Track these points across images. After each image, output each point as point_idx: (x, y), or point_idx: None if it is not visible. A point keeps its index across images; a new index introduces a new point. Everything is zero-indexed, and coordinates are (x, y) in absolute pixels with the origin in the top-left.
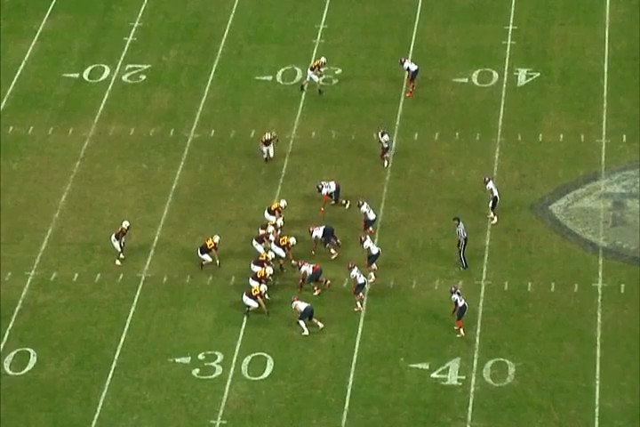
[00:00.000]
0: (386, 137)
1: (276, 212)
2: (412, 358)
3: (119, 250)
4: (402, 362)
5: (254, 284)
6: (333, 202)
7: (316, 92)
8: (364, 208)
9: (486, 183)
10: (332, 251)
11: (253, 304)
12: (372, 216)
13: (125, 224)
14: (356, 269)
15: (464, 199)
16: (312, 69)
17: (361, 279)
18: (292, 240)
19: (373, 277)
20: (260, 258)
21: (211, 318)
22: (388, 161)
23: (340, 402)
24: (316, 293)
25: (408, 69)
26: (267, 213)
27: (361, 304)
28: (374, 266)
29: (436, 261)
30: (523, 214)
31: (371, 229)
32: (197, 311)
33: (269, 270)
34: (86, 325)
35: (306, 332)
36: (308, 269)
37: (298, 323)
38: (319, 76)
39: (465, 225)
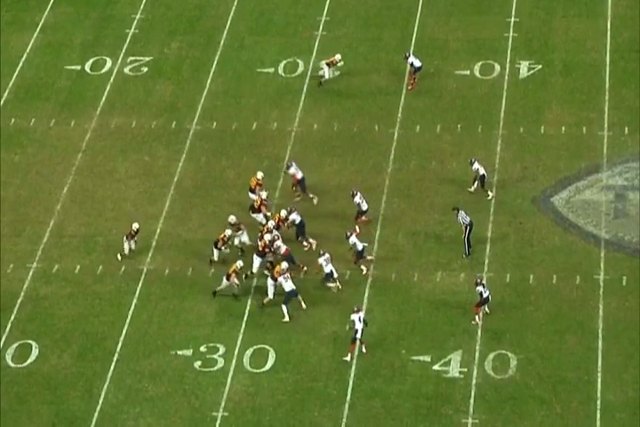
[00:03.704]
0: (357, 198)
1: (257, 187)
2: (413, 351)
3: (126, 252)
4: (403, 354)
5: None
6: (298, 195)
7: (316, 84)
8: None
9: (472, 164)
10: (305, 243)
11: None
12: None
13: (135, 226)
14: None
15: (466, 192)
16: (328, 65)
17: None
18: (283, 213)
19: (365, 269)
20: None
21: (212, 310)
22: (367, 222)
23: (342, 394)
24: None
25: (412, 65)
26: (249, 193)
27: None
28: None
29: (437, 254)
30: (524, 207)
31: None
32: (199, 304)
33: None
34: (88, 317)
35: (286, 318)
36: (281, 247)
37: (281, 307)
38: (333, 72)
39: (466, 211)
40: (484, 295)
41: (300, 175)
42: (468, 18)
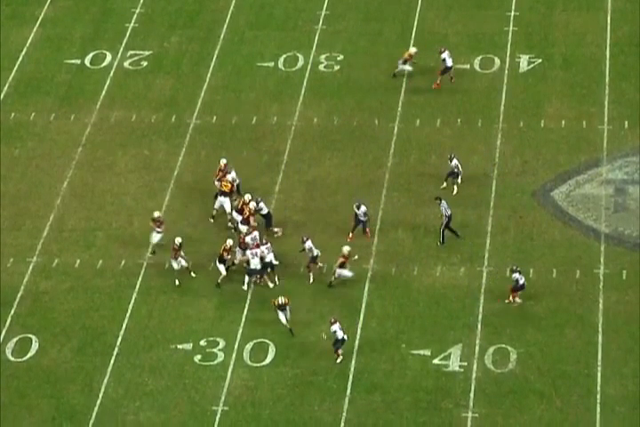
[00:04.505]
0: (363, 208)
1: (219, 173)
2: (413, 345)
3: (176, 268)
4: (403, 348)
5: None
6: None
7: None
8: (308, 244)
9: (451, 160)
10: (276, 230)
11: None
12: (315, 252)
13: (178, 241)
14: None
15: (466, 186)
16: (404, 62)
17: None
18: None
19: (312, 278)
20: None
21: (212, 304)
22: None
23: (342, 388)
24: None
25: (444, 61)
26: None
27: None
28: (319, 264)
29: (437, 248)
30: (524, 201)
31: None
32: (199, 298)
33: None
34: (88, 311)
35: (244, 287)
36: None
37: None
38: (410, 66)
39: (447, 203)
40: (520, 282)
41: (265, 211)
42: (467, 12)
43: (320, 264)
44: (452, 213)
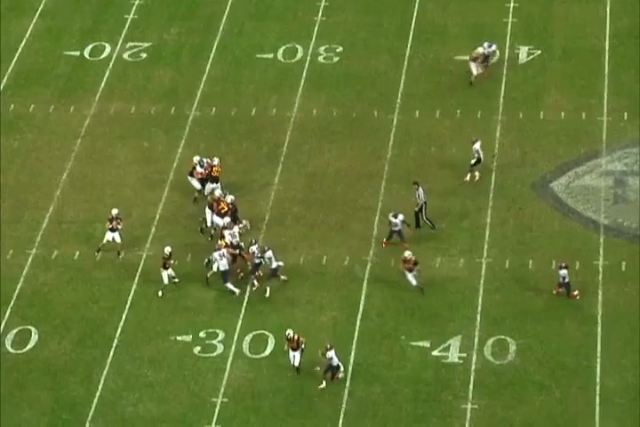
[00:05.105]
0: (400, 217)
1: (193, 170)
2: (413, 336)
3: (165, 282)
4: (403, 340)
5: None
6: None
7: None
8: (269, 254)
9: (474, 143)
10: (244, 222)
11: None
12: (274, 265)
13: (167, 250)
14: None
15: (464, 177)
16: (473, 60)
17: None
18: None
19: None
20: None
21: (212, 296)
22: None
23: (342, 380)
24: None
25: (494, 53)
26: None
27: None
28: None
29: (436, 240)
30: (524, 192)
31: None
32: (198, 289)
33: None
34: (87, 303)
35: (208, 274)
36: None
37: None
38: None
39: (423, 189)
40: (566, 280)
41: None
42: (467, 3)
43: (283, 277)
44: (452, 205)
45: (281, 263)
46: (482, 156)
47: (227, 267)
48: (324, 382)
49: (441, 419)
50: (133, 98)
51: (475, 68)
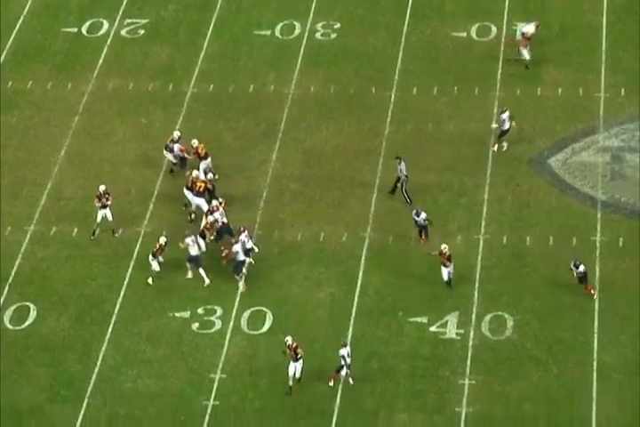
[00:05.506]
0: (423, 215)
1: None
2: (410, 313)
3: (157, 269)
4: (400, 316)
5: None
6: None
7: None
8: (242, 236)
9: (502, 113)
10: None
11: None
12: (249, 245)
13: (162, 240)
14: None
15: (463, 153)
16: (524, 46)
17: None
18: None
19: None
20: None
21: (209, 272)
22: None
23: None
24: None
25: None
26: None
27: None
28: (250, 260)
29: (434, 217)
30: (521, 169)
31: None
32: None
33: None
34: (86, 279)
35: (189, 275)
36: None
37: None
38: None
39: (405, 164)
40: (581, 269)
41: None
42: None
43: (251, 260)
44: (449, 181)
45: (255, 249)
46: (509, 126)
47: (197, 253)
48: (333, 381)
49: (438, 394)
50: (131, 74)
51: (527, 54)
